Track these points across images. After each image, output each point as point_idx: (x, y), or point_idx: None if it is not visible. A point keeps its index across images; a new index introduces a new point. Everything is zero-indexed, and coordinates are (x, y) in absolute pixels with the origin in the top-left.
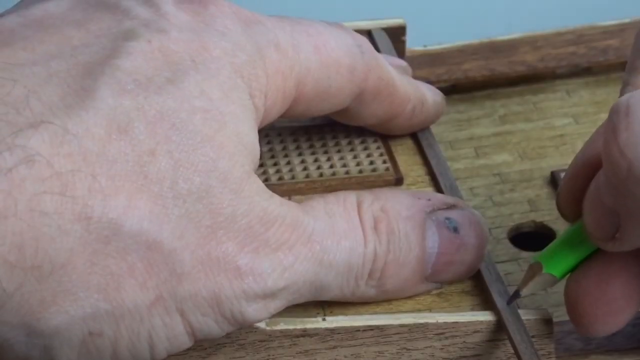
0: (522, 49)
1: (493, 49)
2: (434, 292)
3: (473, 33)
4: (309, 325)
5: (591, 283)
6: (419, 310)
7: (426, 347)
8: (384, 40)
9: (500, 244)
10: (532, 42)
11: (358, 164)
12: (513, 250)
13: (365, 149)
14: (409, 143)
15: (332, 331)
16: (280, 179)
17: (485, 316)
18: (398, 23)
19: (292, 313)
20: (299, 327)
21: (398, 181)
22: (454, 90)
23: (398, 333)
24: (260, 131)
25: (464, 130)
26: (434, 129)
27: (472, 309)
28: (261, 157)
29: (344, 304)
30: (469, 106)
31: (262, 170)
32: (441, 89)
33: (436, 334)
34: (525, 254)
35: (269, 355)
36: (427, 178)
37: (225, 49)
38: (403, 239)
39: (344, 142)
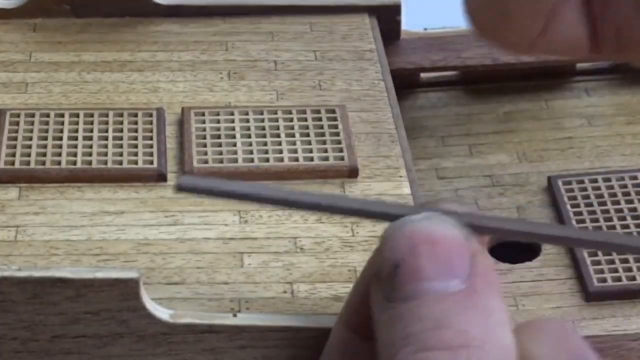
0: None
1: None
2: None
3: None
4: (216, 321)
5: None
6: None
7: None
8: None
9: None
10: None
11: (310, 152)
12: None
13: (322, 135)
14: (372, 133)
15: (242, 329)
16: (221, 161)
17: None
18: (393, 2)
19: (203, 306)
20: (205, 322)
21: (351, 173)
22: (457, 81)
23: (315, 337)
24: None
25: (461, 125)
26: (426, 121)
27: None
28: (205, 138)
29: (264, 300)
30: (471, 99)
31: (203, 151)
32: (444, 83)
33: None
34: (502, 266)
35: (170, 349)
36: (386, 172)
37: None
38: None
39: (299, 127)
